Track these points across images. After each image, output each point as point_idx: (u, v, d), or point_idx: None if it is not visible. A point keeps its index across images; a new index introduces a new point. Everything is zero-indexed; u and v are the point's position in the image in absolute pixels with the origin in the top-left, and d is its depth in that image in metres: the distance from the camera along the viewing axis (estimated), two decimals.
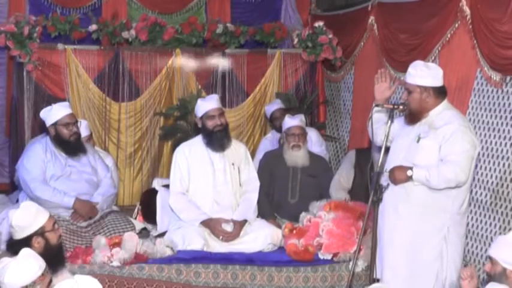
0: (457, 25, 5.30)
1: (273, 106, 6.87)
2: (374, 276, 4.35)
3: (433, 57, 5.58)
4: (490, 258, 3.51)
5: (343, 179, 5.92)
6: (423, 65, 4.43)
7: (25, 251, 3.14)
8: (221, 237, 5.17)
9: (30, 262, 3.05)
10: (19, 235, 3.68)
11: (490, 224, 5.03)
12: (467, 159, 4.30)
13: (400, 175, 4.34)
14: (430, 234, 4.38)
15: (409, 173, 4.31)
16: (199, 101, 5.49)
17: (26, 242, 3.60)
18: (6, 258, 3.13)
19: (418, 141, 4.36)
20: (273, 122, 6.78)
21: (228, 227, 5.21)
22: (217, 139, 5.37)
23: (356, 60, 7.12)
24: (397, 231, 4.41)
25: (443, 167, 4.28)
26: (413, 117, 4.43)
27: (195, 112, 5.52)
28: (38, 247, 3.66)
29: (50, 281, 3.13)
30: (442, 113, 4.39)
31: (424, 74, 4.38)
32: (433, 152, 4.33)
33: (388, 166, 4.44)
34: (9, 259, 3.09)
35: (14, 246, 3.27)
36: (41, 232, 3.70)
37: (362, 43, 6.91)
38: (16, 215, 3.69)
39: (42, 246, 3.69)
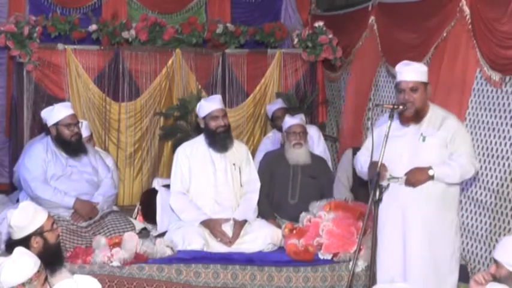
0: (456, 25, 5.30)
1: (275, 105, 6.85)
2: (374, 278, 4.35)
3: (433, 57, 5.59)
4: (495, 261, 3.46)
5: (343, 176, 5.93)
6: (417, 63, 4.51)
7: (19, 250, 3.14)
8: (219, 238, 5.17)
9: (25, 259, 3.05)
10: (18, 235, 3.68)
11: (490, 224, 5.03)
12: (473, 148, 4.49)
13: (421, 176, 4.35)
14: (447, 231, 4.45)
15: (430, 172, 4.33)
16: (203, 101, 5.48)
17: (25, 242, 3.60)
18: (1, 257, 3.13)
19: (423, 140, 4.38)
20: (275, 121, 6.77)
21: (228, 227, 5.21)
22: (220, 140, 5.36)
23: (353, 59, 7.13)
24: (416, 230, 4.41)
25: (460, 159, 4.36)
26: (418, 115, 4.41)
27: (197, 112, 5.50)
28: (37, 247, 3.65)
29: (46, 278, 3.13)
30: (433, 109, 4.47)
31: (423, 70, 4.46)
32: (441, 150, 4.39)
33: (391, 169, 4.39)
34: (4, 258, 3.09)
35: (13, 247, 3.26)
36: (39, 232, 3.70)
37: (360, 42, 6.92)
38: (15, 215, 3.69)
39: (41, 246, 3.69)
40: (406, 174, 4.36)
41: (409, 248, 4.42)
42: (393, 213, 4.40)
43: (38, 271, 3.05)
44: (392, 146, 4.30)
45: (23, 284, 3.00)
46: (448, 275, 4.46)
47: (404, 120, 4.44)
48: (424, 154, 4.37)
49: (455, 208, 4.50)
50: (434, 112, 4.46)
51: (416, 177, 4.35)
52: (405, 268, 4.44)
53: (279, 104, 6.87)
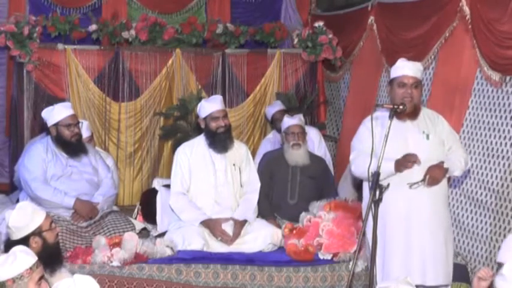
0: (456, 25, 5.30)
1: (274, 108, 6.83)
2: (374, 277, 4.34)
3: (432, 57, 5.59)
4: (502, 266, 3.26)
5: (349, 176, 5.97)
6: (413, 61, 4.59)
7: (18, 248, 3.11)
8: (219, 238, 5.17)
9: (20, 256, 3.03)
10: (16, 236, 3.67)
11: (491, 224, 5.02)
12: None
13: (441, 172, 4.39)
14: (449, 228, 4.61)
15: (445, 166, 4.39)
16: (204, 102, 5.47)
17: (24, 242, 3.58)
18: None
19: (427, 138, 4.43)
20: (274, 123, 6.75)
21: (228, 226, 5.21)
22: (220, 140, 5.36)
23: (354, 60, 7.12)
24: (425, 230, 4.44)
25: (460, 151, 4.50)
26: (415, 111, 4.46)
27: (198, 112, 5.49)
28: (36, 247, 3.65)
29: (41, 278, 3.10)
30: (423, 108, 4.57)
31: (422, 69, 4.58)
32: (442, 147, 4.48)
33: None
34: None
35: (12, 247, 3.25)
36: (38, 232, 3.70)
37: (361, 43, 6.91)
38: (13, 215, 3.68)
39: (40, 246, 3.68)
40: (426, 174, 4.36)
41: (419, 247, 4.44)
42: (399, 213, 4.40)
43: (31, 268, 3.02)
44: (396, 145, 4.28)
45: (13, 280, 2.98)
46: (450, 270, 4.56)
47: (401, 116, 4.41)
48: (430, 152, 4.41)
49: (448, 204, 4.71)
50: (425, 110, 4.57)
51: (437, 174, 4.37)
52: (423, 267, 4.46)
53: (278, 106, 6.85)
